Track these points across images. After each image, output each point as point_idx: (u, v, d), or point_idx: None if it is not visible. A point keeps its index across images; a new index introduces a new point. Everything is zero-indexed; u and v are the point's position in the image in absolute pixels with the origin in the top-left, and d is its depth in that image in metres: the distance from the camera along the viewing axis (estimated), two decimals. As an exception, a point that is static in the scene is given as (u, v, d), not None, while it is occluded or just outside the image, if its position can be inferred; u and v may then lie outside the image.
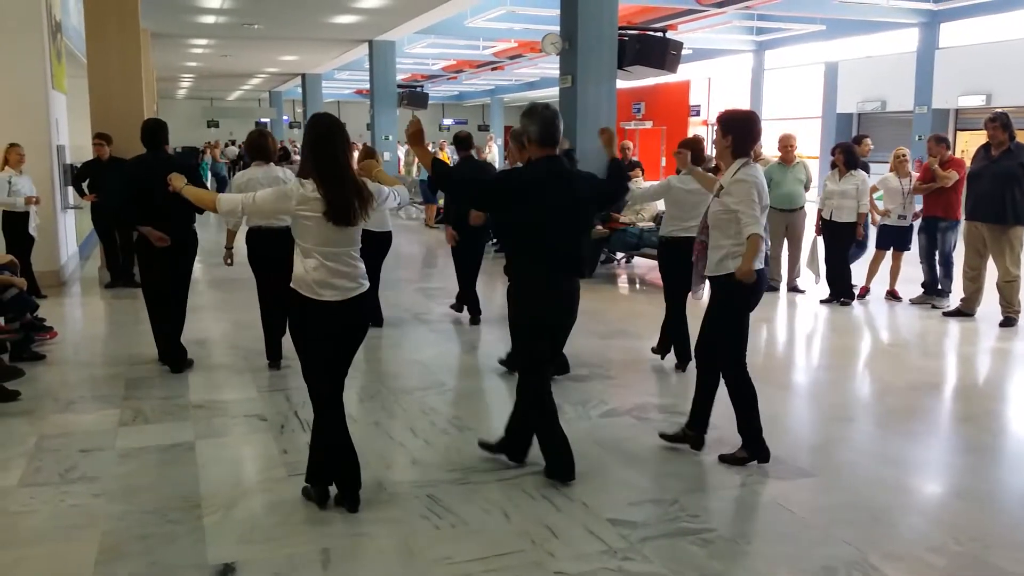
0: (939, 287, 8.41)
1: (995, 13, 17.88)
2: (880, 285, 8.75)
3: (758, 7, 18.12)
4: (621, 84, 11.94)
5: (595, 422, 5.04)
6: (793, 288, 9.13)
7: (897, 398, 5.64)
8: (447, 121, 42.27)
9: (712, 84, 27.59)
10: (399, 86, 23.04)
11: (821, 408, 5.55)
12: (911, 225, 8.65)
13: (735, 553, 3.47)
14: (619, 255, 10.93)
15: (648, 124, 27.07)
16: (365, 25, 18.51)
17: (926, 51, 19.43)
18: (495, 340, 7.13)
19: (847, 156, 8.46)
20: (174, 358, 6.04)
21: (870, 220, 8.60)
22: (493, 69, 28.78)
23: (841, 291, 8.51)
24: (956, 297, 8.03)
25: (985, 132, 7.45)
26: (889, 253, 8.72)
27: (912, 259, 8.76)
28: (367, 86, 22.95)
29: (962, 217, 8.30)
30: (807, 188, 9.03)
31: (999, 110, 7.50)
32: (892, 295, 8.69)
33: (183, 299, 6.14)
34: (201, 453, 4.51)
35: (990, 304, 7.70)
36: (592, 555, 3.40)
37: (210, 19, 17.66)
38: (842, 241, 8.48)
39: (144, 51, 18.32)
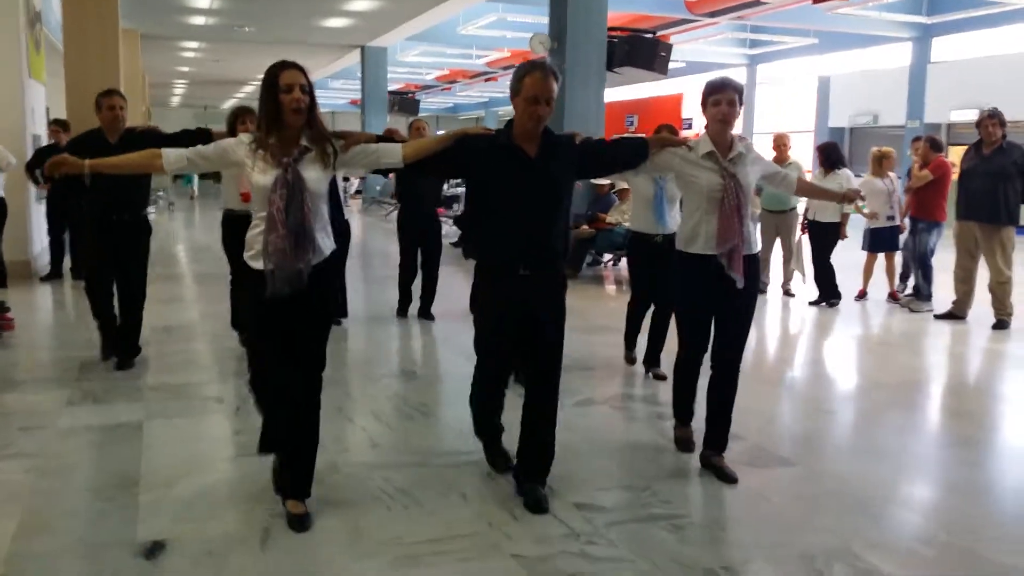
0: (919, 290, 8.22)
1: (988, 28, 17.82)
2: (876, 288, 8.59)
3: (751, 18, 18.05)
4: (613, 96, 11.78)
5: (569, 411, 4.75)
6: (786, 292, 8.89)
7: (885, 394, 5.41)
8: (442, 133, 42.17)
9: (705, 98, 27.52)
10: (390, 93, 22.90)
11: (805, 402, 5.31)
12: (897, 226, 8.50)
13: (708, 540, 3.23)
14: (606, 257, 10.69)
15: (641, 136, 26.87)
16: (357, 30, 18.38)
17: (918, 65, 19.35)
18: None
19: (825, 155, 8.34)
20: (123, 350, 5.46)
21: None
22: (487, 80, 28.69)
23: (827, 292, 8.30)
24: (946, 299, 7.81)
25: (979, 130, 7.27)
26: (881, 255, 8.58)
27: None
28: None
29: (944, 219, 8.14)
30: None
31: (991, 107, 7.30)
32: (893, 297, 8.50)
33: (137, 291, 5.46)
34: (149, 433, 4.25)
35: (982, 307, 7.48)
36: (553, 538, 3.15)
37: (200, 20, 17.50)
38: (824, 241, 8.30)
39: (134, 53, 18.22)
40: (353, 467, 3.85)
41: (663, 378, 5.41)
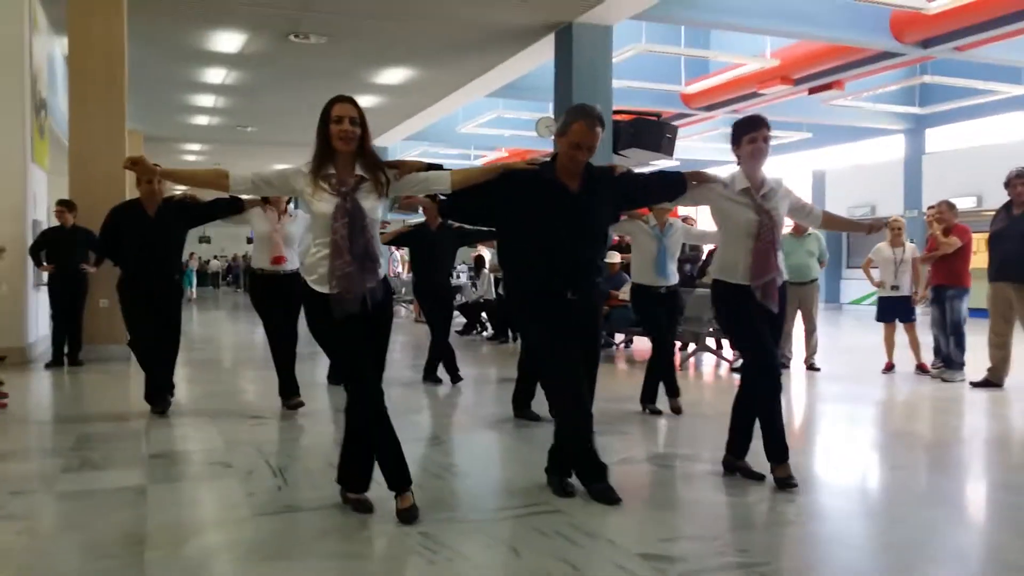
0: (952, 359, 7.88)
1: (979, 117, 18.15)
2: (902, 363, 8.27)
3: (746, 111, 18.36)
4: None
5: (613, 469, 4.38)
6: (811, 367, 8.49)
7: (937, 451, 5.01)
8: (486, 162, 42.29)
9: (701, 196, 27.81)
10: (390, 193, 22.98)
11: (856, 461, 4.89)
12: (910, 296, 8.26)
13: (801, 586, 2.82)
14: (617, 338, 10.34)
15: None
16: (357, 128, 18.58)
17: (913, 156, 19.63)
18: (489, 401, 6.58)
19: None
20: (159, 396, 5.76)
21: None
22: (483, 181, 28.94)
23: None
24: (980, 367, 7.49)
25: (1008, 191, 7.12)
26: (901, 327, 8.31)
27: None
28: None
29: (970, 284, 7.91)
30: (821, 262, 8.63)
31: (1020, 167, 7.17)
32: (921, 369, 8.15)
33: (172, 348, 5.86)
34: (153, 496, 3.84)
35: (1020, 375, 7.15)
36: (625, 589, 2.75)
37: (203, 120, 17.68)
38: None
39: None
40: (383, 523, 3.43)
41: (659, 413, 5.84)
